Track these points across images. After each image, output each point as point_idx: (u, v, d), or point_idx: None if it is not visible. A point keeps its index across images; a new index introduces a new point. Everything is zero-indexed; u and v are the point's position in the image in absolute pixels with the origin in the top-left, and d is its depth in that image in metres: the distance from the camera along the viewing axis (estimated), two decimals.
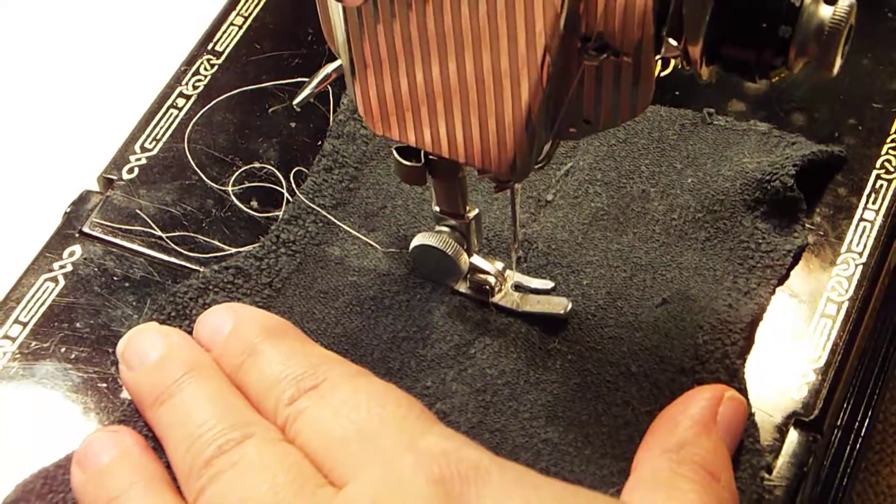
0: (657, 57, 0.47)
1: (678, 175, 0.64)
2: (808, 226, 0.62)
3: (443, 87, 0.49)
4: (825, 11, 0.46)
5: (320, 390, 0.52)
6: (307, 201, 0.63)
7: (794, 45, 0.46)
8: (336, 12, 0.49)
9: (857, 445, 0.66)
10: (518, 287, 0.60)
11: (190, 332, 0.58)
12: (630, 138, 0.65)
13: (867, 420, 0.67)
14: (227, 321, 0.56)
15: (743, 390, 0.56)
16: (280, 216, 0.63)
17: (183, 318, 0.60)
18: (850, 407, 0.65)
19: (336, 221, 0.63)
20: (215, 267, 0.61)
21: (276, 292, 0.61)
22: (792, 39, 0.46)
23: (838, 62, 0.47)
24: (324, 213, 0.63)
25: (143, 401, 0.55)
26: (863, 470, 0.70)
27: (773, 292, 0.60)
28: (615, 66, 0.48)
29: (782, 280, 0.60)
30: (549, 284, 0.60)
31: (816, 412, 0.57)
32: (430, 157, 0.54)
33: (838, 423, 0.64)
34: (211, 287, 0.61)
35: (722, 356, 0.57)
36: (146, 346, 0.56)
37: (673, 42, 0.46)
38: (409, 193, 0.64)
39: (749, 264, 0.60)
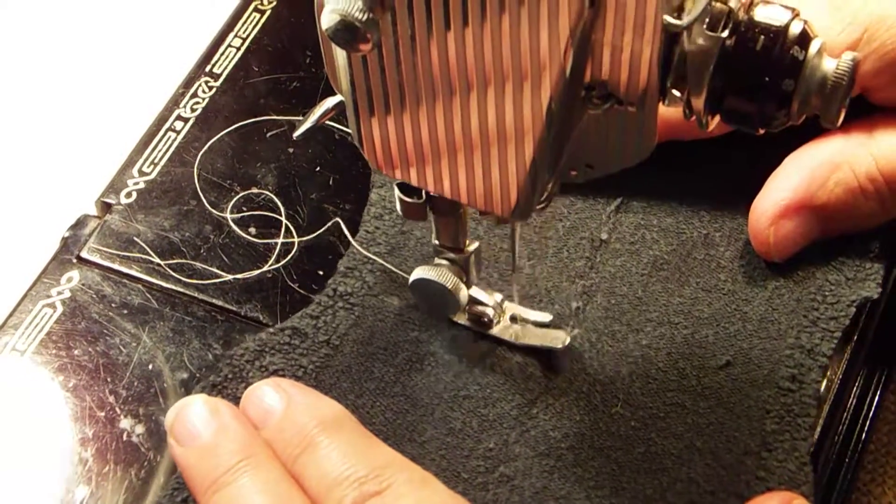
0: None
1: (745, 218, 0.62)
2: (878, 279, 0.60)
3: (446, 131, 0.49)
4: (828, 65, 0.46)
5: (384, 498, 0.51)
6: (363, 250, 0.63)
7: (797, 99, 0.46)
8: (340, 55, 0.49)
9: (850, 470, 0.67)
10: (516, 319, 0.60)
11: None
12: (685, 180, 0.64)
13: (861, 443, 0.68)
14: (278, 404, 0.55)
15: (810, 483, 0.55)
16: (336, 268, 0.62)
17: (240, 380, 0.59)
18: (843, 431, 0.65)
19: (393, 269, 0.62)
20: (271, 329, 0.60)
21: (333, 350, 0.60)
22: (795, 93, 0.46)
23: (842, 115, 0.47)
24: (380, 260, 0.62)
25: (196, 484, 0.54)
26: (855, 490, 0.70)
27: (835, 348, 0.58)
28: (619, 114, 0.48)
29: (847, 333, 0.59)
30: (547, 317, 0.60)
31: (812, 448, 0.57)
32: (431, 193, 0.54)
33: (832, 448, 0.64)
34: (267, 349, 0.60)
35: (790, 448, 0.56)
36: (197, 423, 0.55)
37: (677, 93, 0.47)
38: (485, 241, 0.62)
39: (813, 316, 0.59)
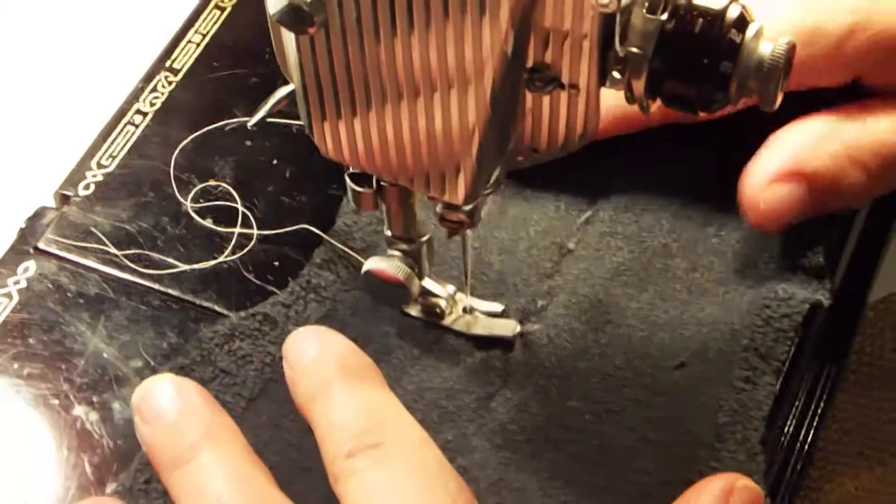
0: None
1: (700, 230, 0.63)
2: (827, 285, 0.61)
3: (393, 118, 0.49)
4: (765, 48, 0.47)
5: (379, 452, 0.51)
6: (340, 245, 0.63)
7: (735, 81, 0.47)
8: (288, 38, 0.50)
9: (800, 463, 0.67)
10: (468, 310, 0.61)
11: (214, 378, 0.59)
12: (650, 190, 0.65)
13: (810, 438, 0.68)
14: (312, 347, 0.55)
15: (760, 473, 0.55)
16: (311, 259, 0.63)
17: (208, 363, 0.59)
18: (793, 424, 0.66)
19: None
20: (242, 313, 0.61)
21: None
22: (733, 75, 0.47)
23: (779, 97, 0.48)
24: (356, 255, 0.62)
25: (158, 461, 0.54)
26: (804, 487, 0.71)
27: (790, 348, 0.59)
28: (562, 97, 0.49)
29: (798, 334, 0.59)
30: (498, 307, 0.61)
31: (762, 439, 0.57)
32: (382, 182, 0.55)
33: (781, 441, 0.65)
34: (237, 334, 0.60)
35: (742, 439, 0.56)
36: (162, 400, 0.54)
37: (618, 75, 0.47)
38: (437, 232, 0.62)
39: (766, 315, 0.59)
